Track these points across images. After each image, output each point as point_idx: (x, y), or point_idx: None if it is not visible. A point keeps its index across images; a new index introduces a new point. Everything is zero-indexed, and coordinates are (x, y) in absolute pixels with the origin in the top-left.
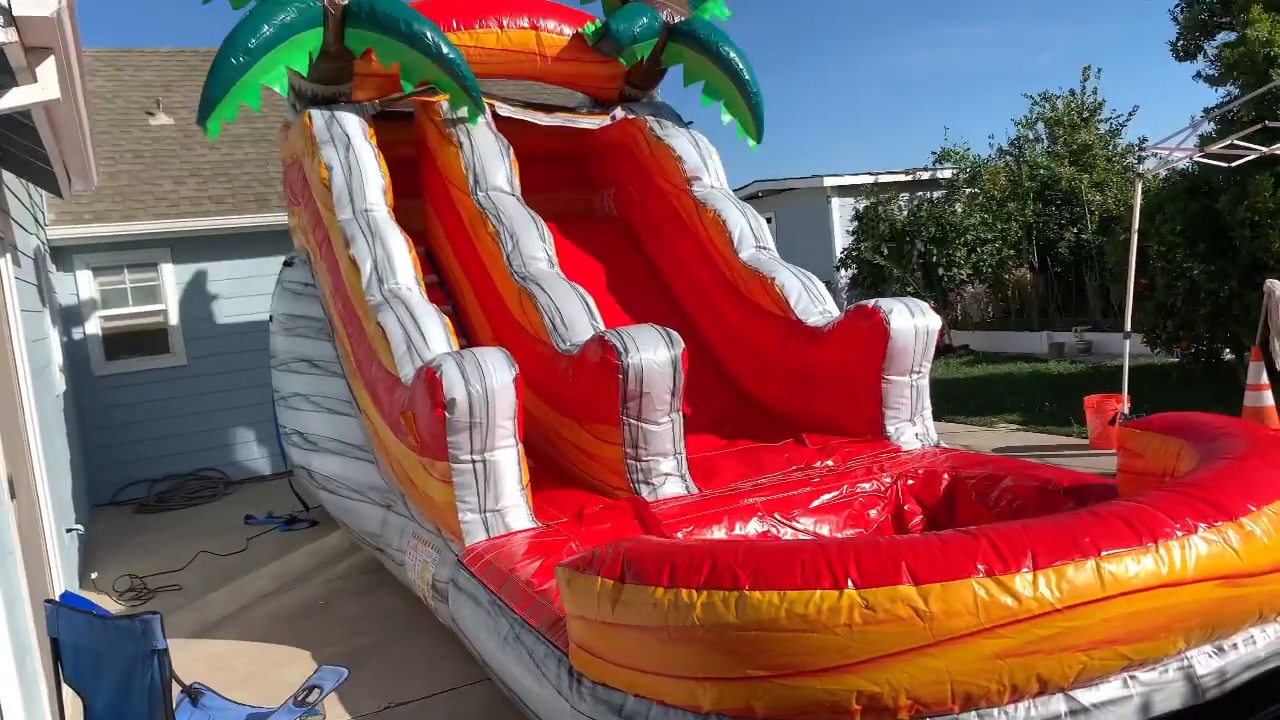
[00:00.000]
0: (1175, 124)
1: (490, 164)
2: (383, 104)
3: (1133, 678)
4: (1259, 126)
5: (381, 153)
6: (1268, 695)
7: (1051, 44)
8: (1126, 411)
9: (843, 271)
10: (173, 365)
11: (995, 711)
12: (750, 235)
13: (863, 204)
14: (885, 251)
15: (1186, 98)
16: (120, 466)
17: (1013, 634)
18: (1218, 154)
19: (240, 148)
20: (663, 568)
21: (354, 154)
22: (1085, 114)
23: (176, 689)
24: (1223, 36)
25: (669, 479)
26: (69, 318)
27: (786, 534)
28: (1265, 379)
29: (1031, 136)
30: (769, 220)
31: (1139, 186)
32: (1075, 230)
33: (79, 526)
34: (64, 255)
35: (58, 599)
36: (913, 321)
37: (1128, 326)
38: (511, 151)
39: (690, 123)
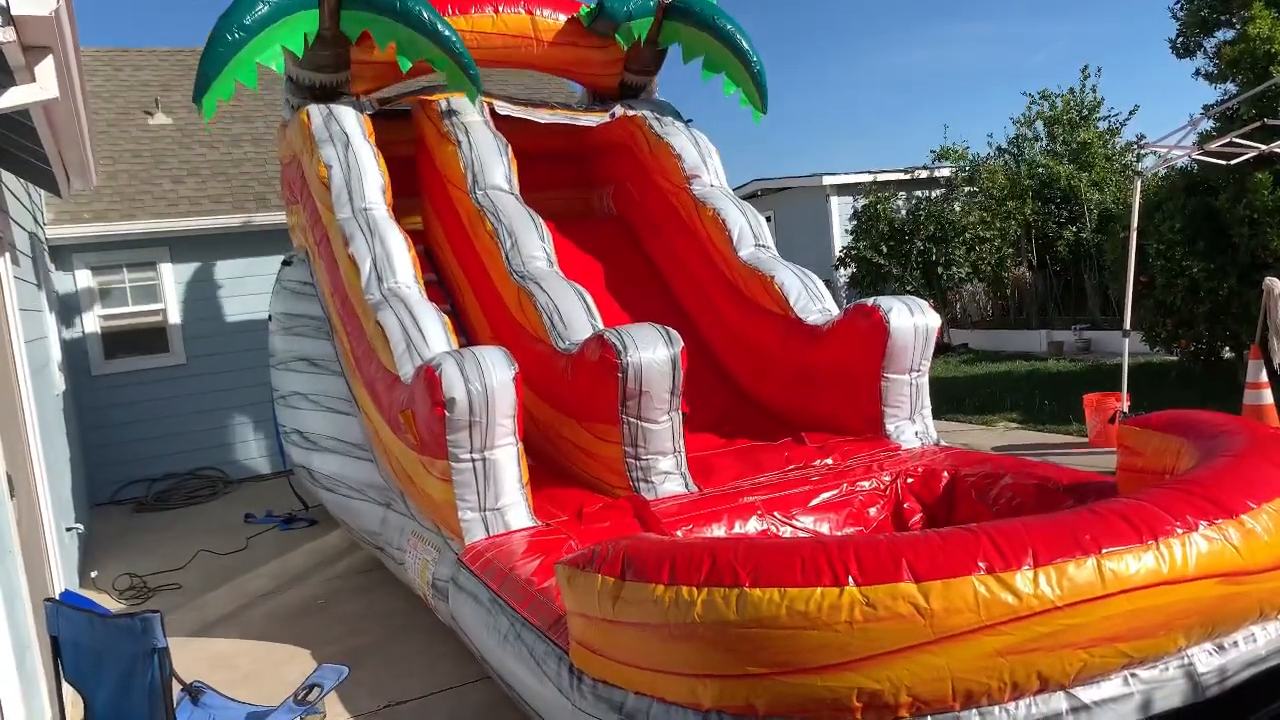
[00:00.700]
0: (1174, 122)
1: (489, 162)
2: (381, 102)
3: (1133, 675)
4: (1258, 124)
5: (380, 151)
6: (1268, 693)
7: (1050, 42)
8: (1126, 410)
9: (842, 270)
10: (172, 364)
11: (996, 709)
12: (750, 234)
13: (861, 202)
14: (884, 250)
15: (1186, 96)
16: (119, 465)
17: (1013, 631)
18: (1217, 152)
19: (239, 147)
20: (663, 565)
21: (353, 152)
22: (1084, 112)
23: (177, 687)
24: (1222, 34)
25: (668, 477)
26: (68, 317)
27: (786, 532)
28: (1264, 377)
29: (1030, 135)
30: (768, 219)
31: (1138, 184)
32: (1074, 229)
33: (79, 525)
34: (63, 254)
35: (58, 597)
36: (912, 320)
37: (1127, 325)
38: (510, 150)
39: (690, 121)
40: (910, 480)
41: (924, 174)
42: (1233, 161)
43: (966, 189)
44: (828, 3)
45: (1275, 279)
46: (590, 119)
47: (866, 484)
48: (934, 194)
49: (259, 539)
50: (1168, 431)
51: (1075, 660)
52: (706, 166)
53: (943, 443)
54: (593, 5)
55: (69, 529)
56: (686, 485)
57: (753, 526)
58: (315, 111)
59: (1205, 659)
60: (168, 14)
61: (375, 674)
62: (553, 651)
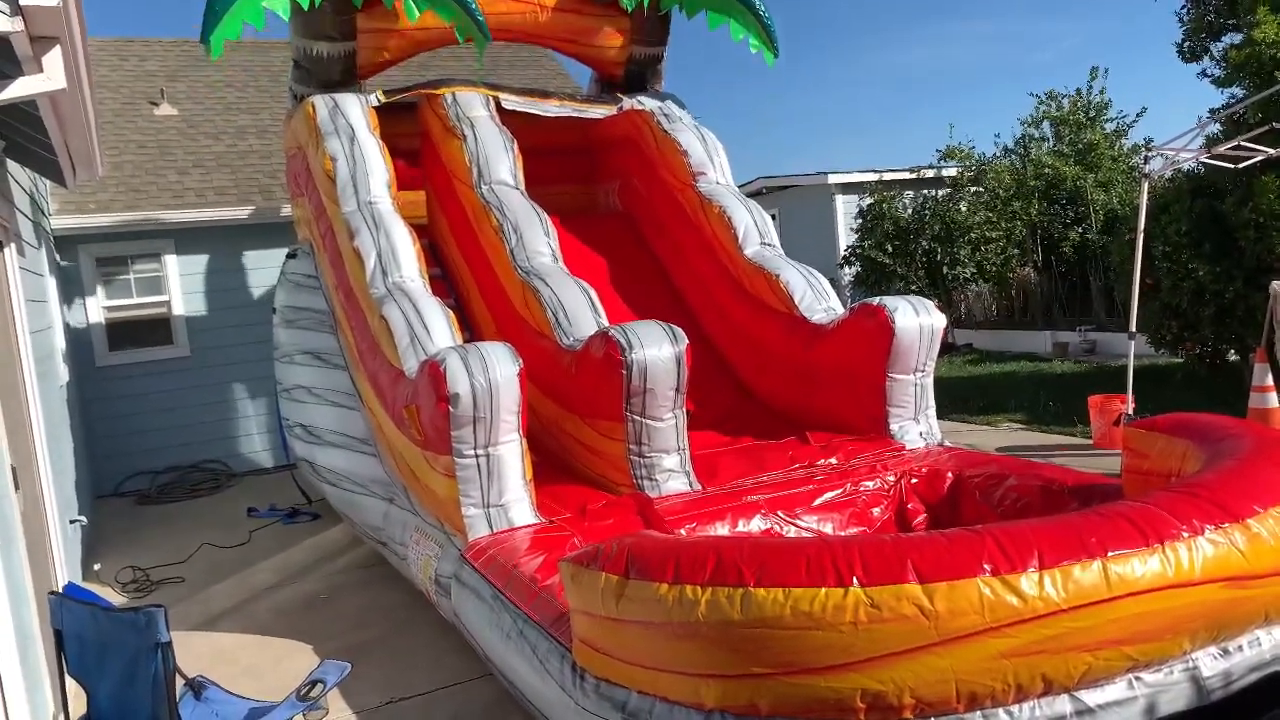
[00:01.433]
0: (1179, 121)
1: (494, 157)
2: (386, 94)
3: (1138, 679)
4: (1266, 128)
5: (385, 144)
6: (1272, 697)
7: (1054, 41)
8: (1131, 412)
9: (847, 269)
10: (176, 356)
11: (1000, 711)
12: (755, 231)
13: (867, 201)
14: (889, 249)
15: (1192, 95)
16: (123, 458)
17: (1018, 634)
18: (1224, 155)
19: (245, 139)
20: (667, 564)
21: (358, 146)
22: (1091, 113)
23: (180, 682)
24: (1229, 38)
25: (672, 475)
26: (73, 308)
27: (790, 532)
28: (1270, 380)
29: (1037, 135)
30: (773, 216)
31: (1144, 187)
32: (1080, 230)
33: (82, 518)
34: (68, 245)
35: (61, 590)
36: (917, 320)
37: (1132, 326)
38: (515, 145)
39: (698, 118)
40: (915, 481)
41: (929, 173)
42: (1240, 165)
43: (972, 189)
44: (828, 1)
45: None
46: (597, 111)
47: (871, 484)
48: (939, 193)
49: (262, 533)
50: (1173, 434)
51: (1080, 663)
52: (713, 163)
53: (947, 443)
54: None
55: (72, 521)
56: (690, 483)
57: (757, 525)
58: (321, 103)
59: (1210, 663)
60: (174, 5)
61: (378, 669)
62: (555, 649)
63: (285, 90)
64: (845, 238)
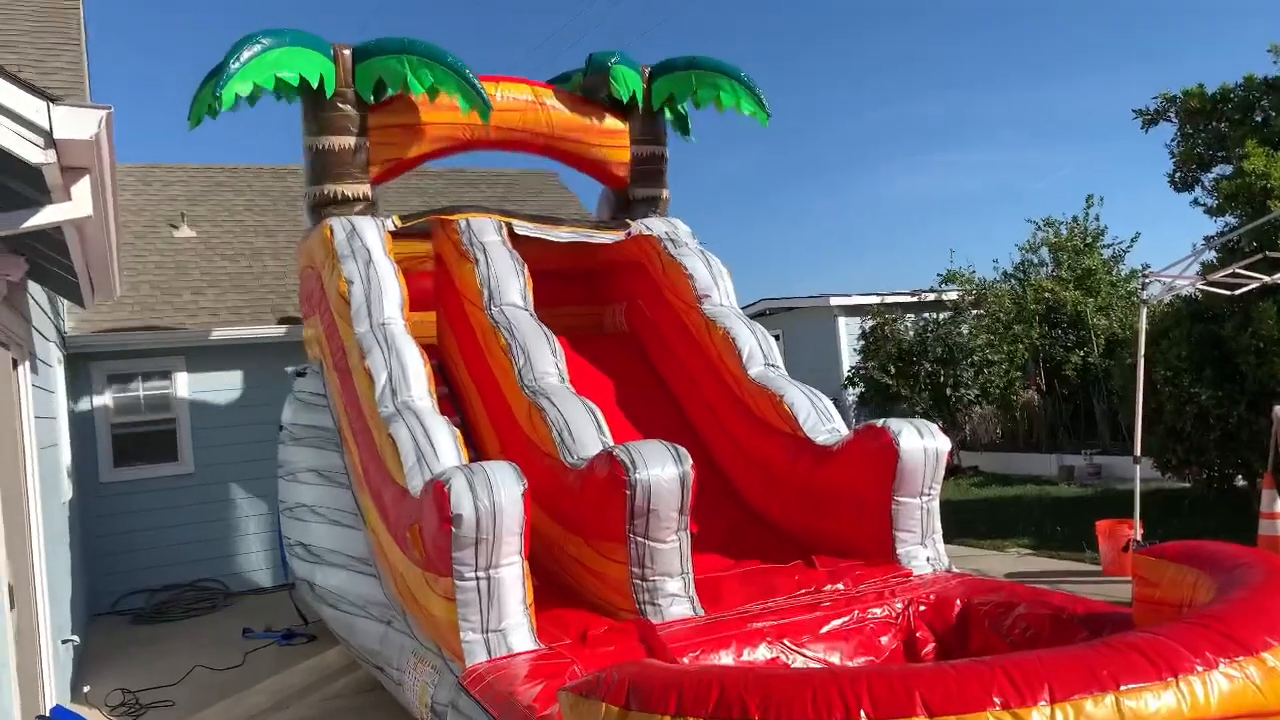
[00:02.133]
0: (1175, 246)
1: (505, 279)
2: (403, 220)
3: None
4: (1260, 256)
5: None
6: None
7: (1051, 170)
8: (1140, 538)
9: (850, 389)
10: (180, 473)
11: None
12: (759, 353)
13: (869, 323)
14: (892, 370)
15: (1186, 222)
16: (121, 575)
17: None
18: (1220, 282)
19: (260, 260)
20: (669, 695)
21: (374, 268)
22: (1088, 239)
23: None
24: (1219, 169)
25: (676, 600)
26: (81, 423)
27: (796, 661)
28: (1279, 507)
29: (1036, 260)
30: (776, 337)
31: (1143, 313)
32: (1081, 353)
33: (75, 638)
34: (81, 360)
35: (48, 714)
36: (922, 442)
37: (1137, 451)
38: (526, 268)
39: (703, 243)
40: (923, 608)
41: (930, 296)
42: (1236, 292)
43: (973, 312)
44: (825, 132)
45: None
46: (606, 236)
47: (878, 611)
48: (941, 316)
49: (257, 654)
50: (1183, 563)
51: None
52: (718, 286)
53: (955, 569)
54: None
55: (65, 641)
56: (694, 608)
57: (762, 654)
58: (338, 226)
59: None
60: (199, 134)
61: None
62: None
63: (301, 214)
64: (849, 358)
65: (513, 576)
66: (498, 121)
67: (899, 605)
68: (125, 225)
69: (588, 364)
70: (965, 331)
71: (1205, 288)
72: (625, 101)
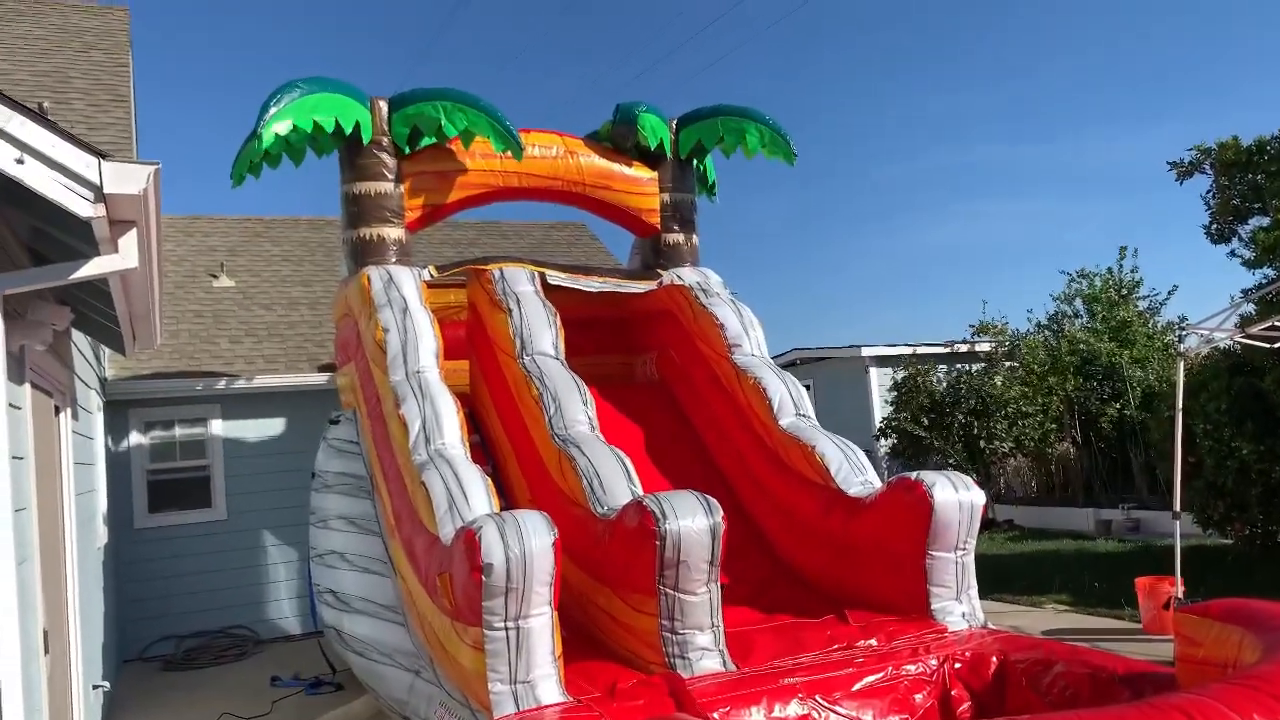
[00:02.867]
0: (1210, 298)
1: (537, 329)
2: (439, 269)
3: None
4: None
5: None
6: None
7: (1085, 220)
8: (1181, 596)
9: (882, 441)
10: (213, 520)
11: None
12: (790, 403)
13: (900, 374)
14: (925, 422)
15: (1224, 273)
16: (152, 621)
17: None
18: (1259, 335)
19: (296, 310)
20: None
21: (410, 317)
22: (1123, 291)
23: None
24: (1256, 220)
25: (706, 654)
26: (117, 469)
27: (829, 718)
28: None
29: (1070, 312)
30: (807, 387)
31: (1180, 366)
32: (1118, 405)
33: (105, 683)
34: (119, 407)
35: None
36: (956, 496)
37: (1177, 506)
38: (558, 318)
39: (735, 294)
40: (958, 665)
41: (963, 347)
42: (1276, 345)
43: (1007, 364)
44: (857, 181)
45: None
46: (638, 286)
47: (912, 668)
48: (974, 368)
49: (284, 702)
50: (1228, 621)
51: None
52: (748, 336)
53: (990, 625)
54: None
55: (95, 687)
56: (724, 663)
57: (793, 710)
58: (376, 275)
59: None
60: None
61: None
62: None
63: (337, 265)
64: (880, 409)
65: (542, 627)
66: (529, 169)
67: (934, 662)
68: (166, 275)
69: (618, 413)
70: (999, 383)
71: (1243, 341)
72: (653, 149)
